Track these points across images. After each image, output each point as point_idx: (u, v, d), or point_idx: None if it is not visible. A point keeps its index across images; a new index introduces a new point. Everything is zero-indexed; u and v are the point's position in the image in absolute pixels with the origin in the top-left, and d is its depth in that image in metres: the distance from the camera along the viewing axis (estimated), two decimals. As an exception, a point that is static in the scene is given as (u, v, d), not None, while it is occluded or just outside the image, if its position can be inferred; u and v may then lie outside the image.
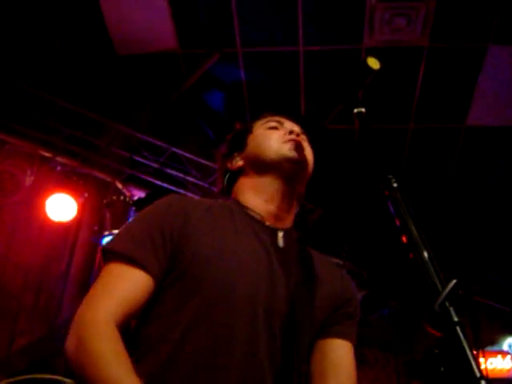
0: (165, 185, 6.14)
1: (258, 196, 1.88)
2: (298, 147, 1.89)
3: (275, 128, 1.98)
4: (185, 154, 6.21)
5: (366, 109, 1.59)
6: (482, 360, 7.22)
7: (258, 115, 2.12)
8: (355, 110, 1.58)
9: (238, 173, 1.98)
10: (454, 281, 1.15)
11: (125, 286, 1.56)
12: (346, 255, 6.92)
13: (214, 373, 1.53)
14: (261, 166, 1.90)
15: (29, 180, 5.17)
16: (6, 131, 5.38)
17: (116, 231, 5.40)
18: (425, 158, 7.29)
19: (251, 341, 1.59)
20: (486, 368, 7.22)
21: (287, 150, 1.87)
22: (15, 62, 5.78)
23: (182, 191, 6.14)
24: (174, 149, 6.13)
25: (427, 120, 6.81)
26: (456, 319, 1.11)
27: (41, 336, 5.39)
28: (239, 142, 2.03)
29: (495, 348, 7.88)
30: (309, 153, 1.95)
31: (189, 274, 1.60)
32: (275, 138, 1.92)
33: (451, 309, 1.12)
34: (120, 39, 6.18)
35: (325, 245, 6.98)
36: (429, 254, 1.22)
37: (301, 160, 1.87)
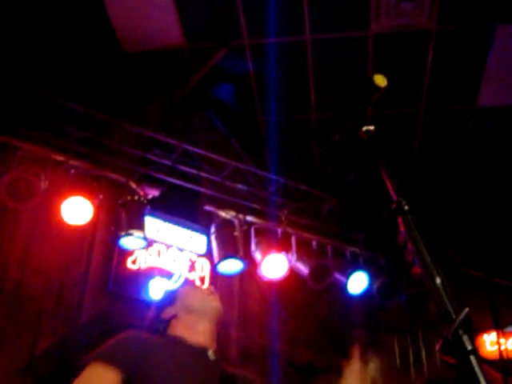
0: (178, 182, 6.15)
1: (189, 333, 2.51)
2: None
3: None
4: (197, 150, 6.21)
5: (374, 126, 1.60)
6: (502, 340, 7.21)
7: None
8: (364, 128, 1.59)
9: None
10: (467, 309, 1.16)
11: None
12: (362, 243, 6.93)
13: None
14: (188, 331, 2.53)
15: (44, 185, 5.21)
16: (18, 137, 5.41)
17: (132, 231, 5.44)
18: (437, 141, 7.27)
19: None
20: (506, 348, 7.22)
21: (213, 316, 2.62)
22: (22, 66, 5.80)
23: (195, 187, 6.16)
24: (185, 145, 6.13)
25: (438, 103, 6.77)
26: (470, 347, 1.13)
27: (63, 338, 5.46)
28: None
29: (515, 328, 7.88)
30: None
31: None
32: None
33: (464, 337, 1.14)
34: (126, 37, 6.19)
35: (340, 234, 7.00)
36: (441, 280, 1.23)
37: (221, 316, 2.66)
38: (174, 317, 2.56)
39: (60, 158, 5.51)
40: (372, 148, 1.55)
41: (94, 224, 5.75)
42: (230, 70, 6.58)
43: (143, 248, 5.79)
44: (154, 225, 6.16)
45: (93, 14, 5.89)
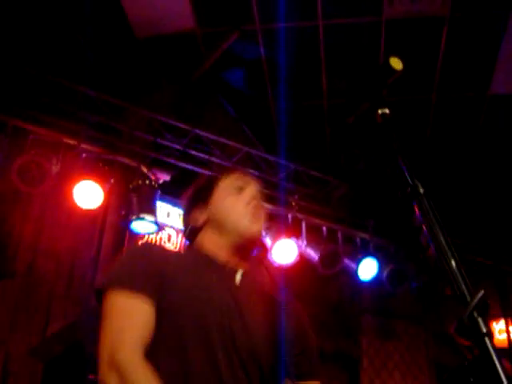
0: (189, 167, 6.16)
1: (218, 248, 2.07)
2: (257, 219, 2.10)
3: (241, 189, 2.15)
4: (208, 135, 6.21)
5: (389, 109, 1.59)
6: (511, 329, 7.21)
7: (225, 171, 2.29)
8: (379, 111, 1.59)
9: (202, 225, 2.17)
10: (482, 291, 1.17)
11: (139, 320, 1.75)
12: (372, 230, 6.93)
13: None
14: (221, 230, 2.09)
15: (55, 168, 5.22)
16: (30, 121, 5.42)
17: (144, 215, 5.46)
18: (449, 128, 7.24)
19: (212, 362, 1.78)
20: (515, 336, 7.22)
21: (246, 223, 2.07)
22: (34, 51, 5.81)
23: (207, 172, 6.17)
24: (196, 130, 6.13)
25: (450, 90, 6.74)
26: (484, 330, 1.13)
27: (75, 319, 5.51)
28: (204, 195, 2.19)
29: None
30: (263, 217, 2.17)
31: (168, 306, 1.80)
32: (237, 206, 2.10)
33: (479, 319, 1.14)
34: (138, 22, 6.18)
35: (350, 220, 7.00)
36: (457, 262, 1.23)
37: (256, 233, 2.09)
38: (202, 226, 2.16)
39: (71, 141, 5.52)
40: (387, 131, 1.54)
41: (105, 208, 5.77)
42: (242, 54, 6.56)
43: (154, 232, 5.82)
44: (164, 209, 6.18)
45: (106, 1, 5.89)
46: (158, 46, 6.40)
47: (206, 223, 2.14)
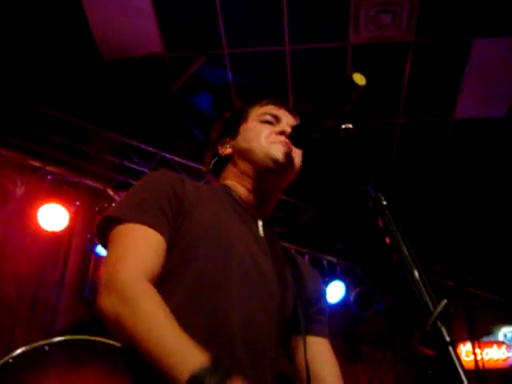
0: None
1: (242, 185, 1.94)
2: (286, 151, 1.91)
3: (270, 123, 2.01)
4: (174, 157, 6.20)
5: (353, 125, 1.60)
6: (477, 351, 7.25)
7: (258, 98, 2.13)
8: (343, 126, 1.59)
9: (227, 158, 2.03)
10: (445, 300, 1.17)
11: (145, 246, 1.58)
12: (339, 253, 6.95)
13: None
14: (248, 161, 1.95)
15: (19, 190, 5.16)
16: (-5, 142, 5.37)
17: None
18: (414, 152, 7.33)
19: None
20: (482, 359, 7.25)
21: (274, 152, 1.90)
22: (0, 73, 5.75)
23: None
24: (163, 153, 6.12)
25: (415, 114, 6.83)
26: (448, 339, 1.13)
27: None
28: (232, 127, 2.06)
29: (490, 338, 7.93)
30: (297, 155, 1.98)
31: (189, 234, 1.68)
32: (265, 135, 1.95)
33: (443, 328, 1.14)
34: (106, 44, 6.16)
35: (318, 243, 7.01)
36: (419, 272, 1.23)
37: (286, 164, 1.91)
38: (227, 159, 2.03)
39: (36, 163, 5.46)
40: (350, 146, 1.55)
41: (70, 231, 5.71)
42: (209, 79, 6.58)
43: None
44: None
45: (73, 22, 5.86)
46: (125, 69, 6.38)
47: (231, 155, 2.02)
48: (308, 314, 1.92)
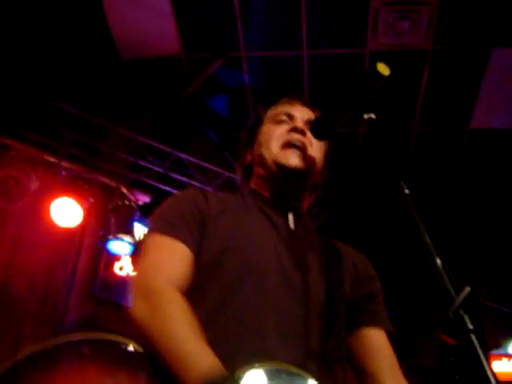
0: (169, 189, 6.13)
1: (265, 187, 1.95)
2: (298, 153, 1.90)
3: (284, 122, 1.99)
4: (189, 158, 6.20)
5: (375, 115, 1.59)
6: (487, 363, 7.17)
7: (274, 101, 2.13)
8: (365, 116, 1.58)
9: (251, 166, 2.04)
10: (468, 288, 1.15)
11: (176, 258, 1.65)
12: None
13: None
14: (262, 167, 1.96)
15: (34, 185, 5.18)
16: (11, 136, 5.39)
17: (121, 235, 5.41)
18: (429, 161, 7.28)
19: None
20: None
21: (283, 160, 1.89)
22: (19, 67, 5.78)
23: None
24: (178, 153, 6.12)
25: (431, 123, 6.80)
26: (471, 327, 1.11)
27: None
28: (251, 134, 2.07)
29: (500, 351, 7.86)
30: (316, 150, 1.95)
31: (213, 246, 1.72)
32: (276, 137, 1.94)
33: (465, 316, 1.12)
34: (124, 44, 6.17)
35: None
36: (442, 260, 1.22)
37: (298, 169, 1.88)
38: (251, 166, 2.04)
39: (52, 159, 5.49)
40: (373, 134, 1.54)
41: (82, 227, 5.72)
42: (226, 81, 6.58)
43: (130, 254, 5.76)
44: (142, 231, 6.12)
45: (92, 21, 5.89)
46: (143, 68, 6.39)
47: (252, 162, 2.03)
48: (355, 303, 1.87)
